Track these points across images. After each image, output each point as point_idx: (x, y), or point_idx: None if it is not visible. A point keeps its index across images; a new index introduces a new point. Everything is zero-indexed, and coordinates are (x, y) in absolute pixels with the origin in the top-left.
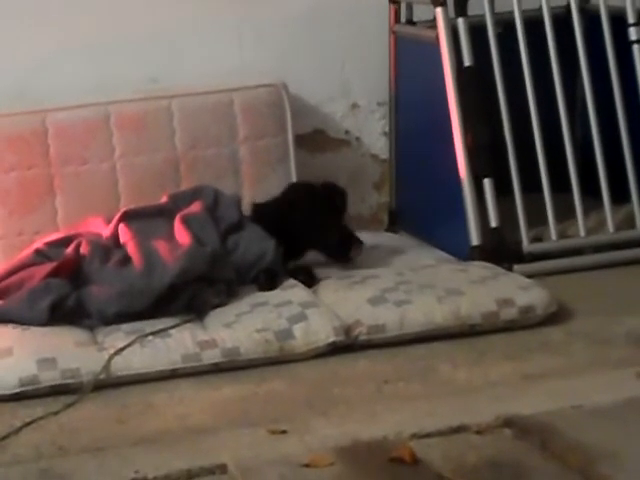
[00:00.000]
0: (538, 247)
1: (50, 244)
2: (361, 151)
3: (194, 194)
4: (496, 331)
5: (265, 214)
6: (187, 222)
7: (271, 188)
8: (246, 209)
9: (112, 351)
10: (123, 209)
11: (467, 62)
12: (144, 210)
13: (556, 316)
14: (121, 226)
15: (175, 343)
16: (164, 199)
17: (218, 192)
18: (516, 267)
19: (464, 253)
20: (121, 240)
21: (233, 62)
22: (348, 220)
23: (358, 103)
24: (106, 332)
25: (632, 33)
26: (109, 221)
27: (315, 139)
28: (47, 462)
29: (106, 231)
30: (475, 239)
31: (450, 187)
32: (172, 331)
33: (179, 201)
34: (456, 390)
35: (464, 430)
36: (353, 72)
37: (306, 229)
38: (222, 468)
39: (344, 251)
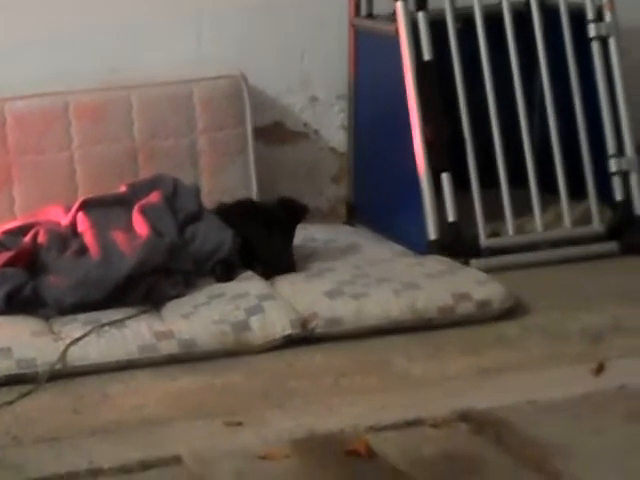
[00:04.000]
0: (495, 242)
1: (7, 233)
2: (319, 144)
3: (153, 183)
4: (452, 325)
5: (228, 214)
6: (145, 213)
7: (229, 179)
8: (205, 200)
9: (68, 341)
10: (82, 198)
11: (426, 56)
12: (103, 199)
13: (512, 311)
14: (79, 215)
15: (132, 334)
16: (123, 188)
17: (177, 182)
18: (473, 262)
19: (421, 247)
20: (79, 229)
21: (192, 53)
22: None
23: (317, 96)
24: (63, 322)
25: (591, 29)
26: (69, 209)
27: (274, 131)
28: (1, 452)
29: (65, 220)
30: (432, 233)
31: (408, 181)
32: (129, 322)
33: (138, 190)
34: (412, 384)
35: (420, 424)
36: (312, 65)
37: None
38: (177, 459)
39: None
